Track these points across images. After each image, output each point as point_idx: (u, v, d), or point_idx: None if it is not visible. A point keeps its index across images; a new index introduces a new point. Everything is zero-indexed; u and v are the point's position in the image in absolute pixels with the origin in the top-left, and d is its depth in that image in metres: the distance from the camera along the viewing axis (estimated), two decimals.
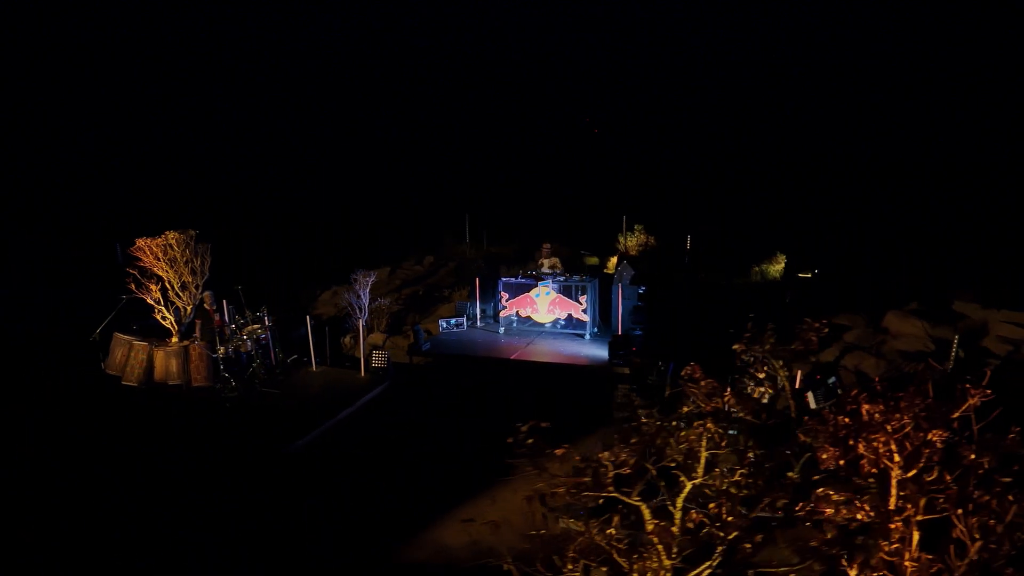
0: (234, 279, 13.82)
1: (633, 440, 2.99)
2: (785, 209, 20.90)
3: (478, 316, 13.20)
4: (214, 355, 10.07)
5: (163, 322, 11.34)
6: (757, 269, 17.79)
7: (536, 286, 12.20)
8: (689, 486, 3.06)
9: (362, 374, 11.03)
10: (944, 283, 14.90)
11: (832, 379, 7.56)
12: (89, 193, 23.86)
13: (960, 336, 13.19)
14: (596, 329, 12.36)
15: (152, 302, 11.35)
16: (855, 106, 25.84)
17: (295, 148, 27.58)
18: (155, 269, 11.31)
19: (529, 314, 12.42)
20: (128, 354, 9.97)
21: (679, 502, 3.05)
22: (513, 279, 12.50)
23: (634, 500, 2.86)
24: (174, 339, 11.17)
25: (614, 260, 19.54)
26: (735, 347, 3.53)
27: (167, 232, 11.44)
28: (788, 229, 18.75)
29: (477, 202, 24.82)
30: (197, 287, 11.82)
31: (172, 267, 11.43)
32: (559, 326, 12.35)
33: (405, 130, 29.37)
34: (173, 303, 11.41)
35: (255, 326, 11.17)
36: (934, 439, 3.16)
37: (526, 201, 24.96)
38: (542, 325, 12.48)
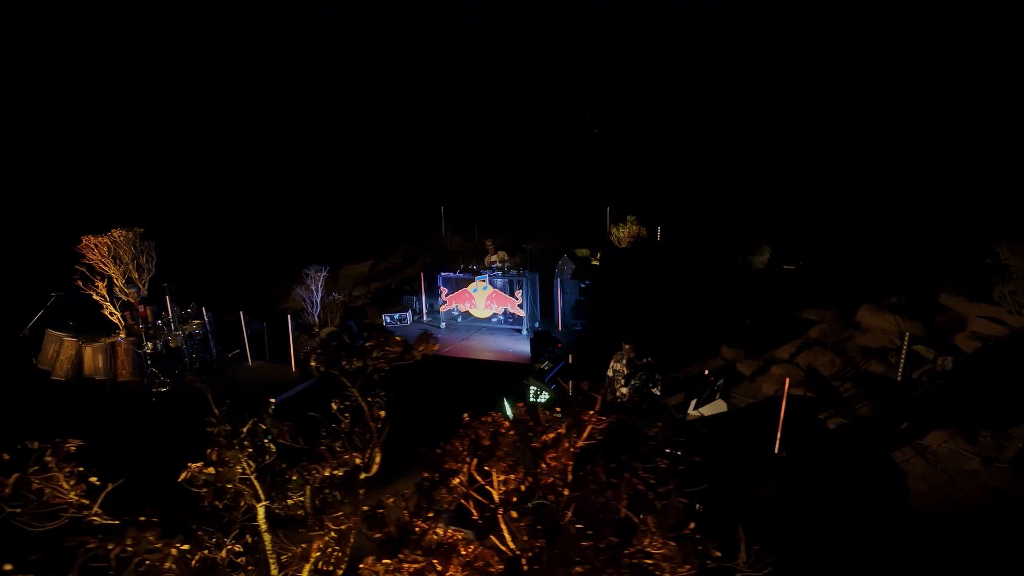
0: (193, 276, 14.21)
1: (212, 454, 2.83)
2: (773, 199, 20.01)
3: (424, 311, 13.13)
4: (140, 350, 10.36)
5: (111, 318, 11.77)
6: (741, 261, 17.11)
7: (474, 280, 12.03)
8: (261, 509, 2.91)
9: (292, 370, 11.17)
10: (937, 276, 13.96)
11: (721, 380, 7.16)
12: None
13: (936, 332, 12.37)
14: (537, 324, 12.12)
15: (99, 298, 11.80)
16: (852, 98, 24.57)
17: (283, 139, 28.02)
18: (101, 266, 11.74)
19: (468, 309, 12.26)
20: (58, 350, 10.40)
21: (263, 525, 2.90)
22: (452, 274, 12.35)
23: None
24: (121, 334, 11.58)
25: (599, 253, 19.18)
26: (312, 362, 3.30)
27: (112, 230, 11.85)
28: (776, 219, 17.92)
29: (472, 194, 24.73)
30: (144, 284, 12.23)
31: (118, 264, 11.85)
32: (498, 321, 12.16)
33: (399, 121, 29.53)
34: (120, 299, 11.83)
35: (194, 322, 11.48)
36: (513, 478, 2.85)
37: (520, 193, 24.73)
38: (486, 320, 12.33)
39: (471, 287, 12.09)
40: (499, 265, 12.30)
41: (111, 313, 11.71)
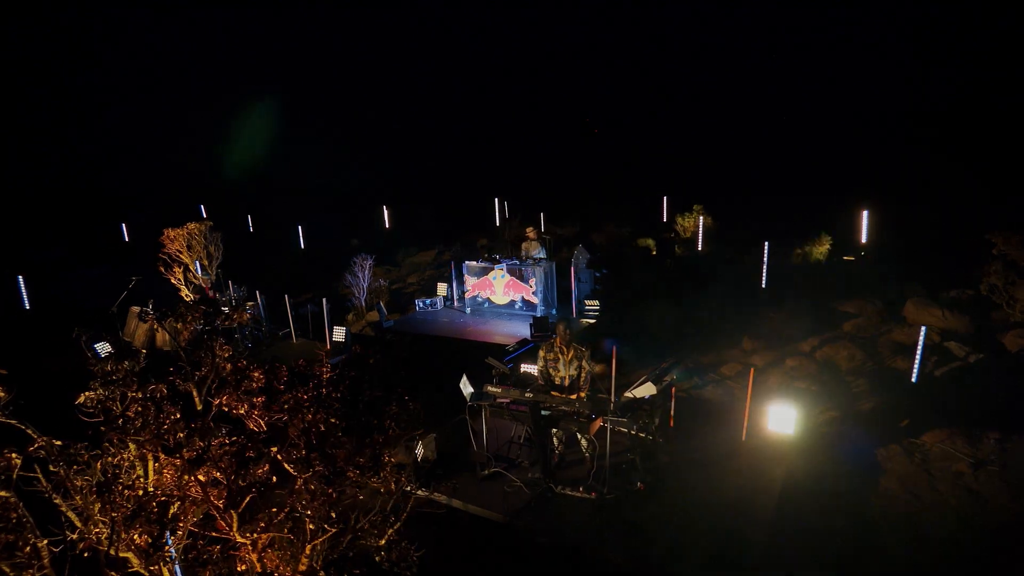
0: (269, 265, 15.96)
1: None
2: (836, 187, 18.73)
3: (455, 297, 13.91)
4: (200, 327, 12.00)
5: (186, 299, 13.66)
6: (799, 251, 16.35)
7: (493, 269, 12.62)
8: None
9: (327, 347, 12.38)
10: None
11: (666, 365, 7.35)
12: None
13: (988, 328, 11.35)
14: (554, 310, 12.49)
15: (176, 283, 13.72)
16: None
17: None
18: (179, 255, 13.64)
19: (488, 296, 12.88)
20: (138, 325, 12.30)
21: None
22: (475, 263, 13.01)
23: None
24: None
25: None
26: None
27: (188, 223, 13.71)
28: (838, 207, 16.84)
29: (542, 184, 25.25)
30: (213, 270, 14.03)
31: (191, 253, 13.71)
32: (519, 308, 12.65)
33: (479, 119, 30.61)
34: (192, 283, 13.69)
35: (248, 303, 13.05)
36: None
37: (589, 184, 24.91)
38: (507, 306, 12.88)
39: (491, 275, 12.71)
40: (522, 254, 12.82)
41: (186, 295, 13.59)
